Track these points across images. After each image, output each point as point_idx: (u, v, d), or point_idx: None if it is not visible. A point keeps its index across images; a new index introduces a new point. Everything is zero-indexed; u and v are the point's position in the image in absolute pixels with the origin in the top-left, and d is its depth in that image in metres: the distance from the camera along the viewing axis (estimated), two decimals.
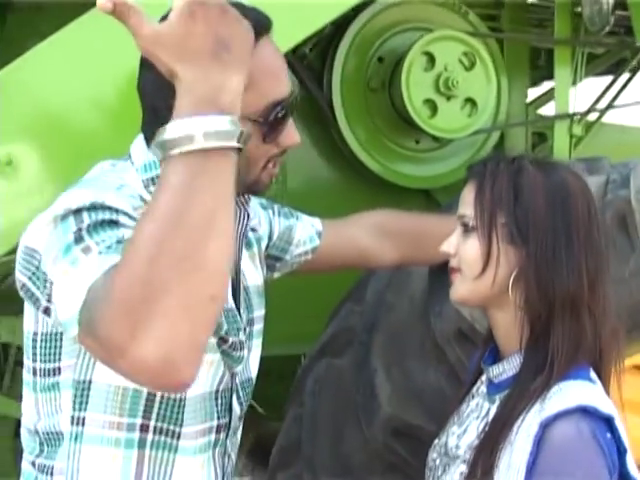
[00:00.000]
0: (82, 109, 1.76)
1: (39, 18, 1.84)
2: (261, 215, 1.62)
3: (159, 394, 1.29)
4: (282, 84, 1.32)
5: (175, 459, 1.34)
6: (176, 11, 1.02)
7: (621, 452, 1.27)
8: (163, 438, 1.32)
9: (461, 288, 1.39)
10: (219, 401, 1.39)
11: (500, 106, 2.47)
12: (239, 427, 1.49)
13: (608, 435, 1.25)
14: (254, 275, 1.53)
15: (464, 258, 1.37)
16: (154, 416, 1.30)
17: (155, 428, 1.31)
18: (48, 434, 1.33)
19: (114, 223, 1.13)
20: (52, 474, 1.33)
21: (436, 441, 1.46)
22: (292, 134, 1.34)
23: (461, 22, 2.42)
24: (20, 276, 1.21)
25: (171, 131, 1.00)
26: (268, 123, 1.28)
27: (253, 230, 1.57)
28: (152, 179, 1.30)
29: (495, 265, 1.33)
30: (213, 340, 1.32)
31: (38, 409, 1.32)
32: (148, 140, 1.34)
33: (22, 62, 1.71)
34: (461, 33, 2.29)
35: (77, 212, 1.15)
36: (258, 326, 1.52)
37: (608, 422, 1.25)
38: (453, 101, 2.29)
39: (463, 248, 1.37)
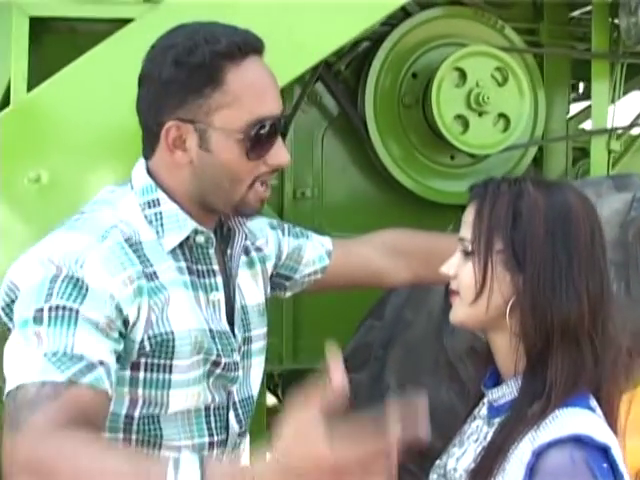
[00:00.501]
0: (113, 127, 1.84)
1: (73, 38, 1.92)
2: (269, 235, 1.65)
3: (137, 414, 1.32)
4: (267, 103, 1.34)
5: None
6: None
7: None
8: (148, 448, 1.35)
9: (459, 311, 1.37)
10: (212, 418, 1.41)
11: (537, 121, 2.45)
12: (241, 443, 1.50)
13: (604, 465, 1.21)
14: (255, 294, 1.55)
15: (461, 282, 1.35)
16: (134, 431, 1.33)
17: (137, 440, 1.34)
18: None
19: (73, 318, 1.18)
20: None
21: (437, 461, 1.45)
22: (280, 153, 1.37)
23: (497, 37, 2.41)
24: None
25: None
26: (250, 139, 1.31)
27: (258, 250, 1.60)
28: (148, 202, 1.35)
29: (490, 291, 1.31)
30: (200, 372, 1.35)
31: None
32: (147, 158, 1.40)
33: (56, 80, 1.80)
34: (493, 48, 2.28)
35: (54, 279, 1.20)
36: (258, 344, 1.53)
37: (605, 452, 1.22)
38: (485, 117, 2.28)
39: (461, 271, 1.35)
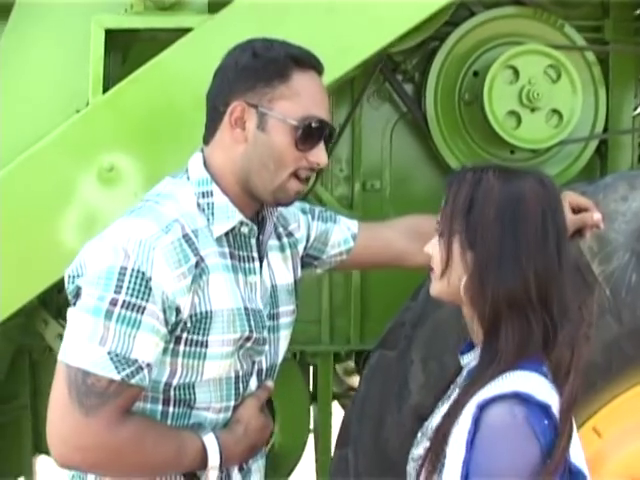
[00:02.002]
0: (177, 122, 2.09)
1: (153, 46, 2.18)
2: (300, 220, 1.85)
3: (175, 382, 1.54)
4: (320, 109, 1.58)
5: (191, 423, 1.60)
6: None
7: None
8: (181, 409, 1.58)
9: (432, 286, 1.55)
10: (240, 385, 1.62)
11: (597, 116, 2.50)
12: None
13: (545, 422, 1.34)
14: (285, 275, 1.75)
15: (433, 260, 1.53)
16: (172, 396, 1.56)
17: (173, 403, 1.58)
18: None
19: (138, 320, 1.42)
20: None
21: (425, 422, 1.61)
22: (321, 154, 1.59)
23: (557, 35, 2.48)
24: (68, 271, 1.51)
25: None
26: (301, 130, 1.54)
27: (290, 235, 1.80)
28: (202, 193, 1.58)
29: (451, 269, 1.48)
30: (233, 348, 1.56)
31: None
32: (207, 143, 1.63)
33: (125, 84, 2.07)
34: (546, 47, 2.35)
35: (123, 270, 1.42)
36: (286, 319, 1.74)
37: (546, 410, 1.34)
38: (537, 113, 2.36)
39: (434, 251, 1.53)
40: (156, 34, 2.18)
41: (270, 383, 1.71)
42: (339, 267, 1.96)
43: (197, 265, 1.50)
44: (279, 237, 1.77)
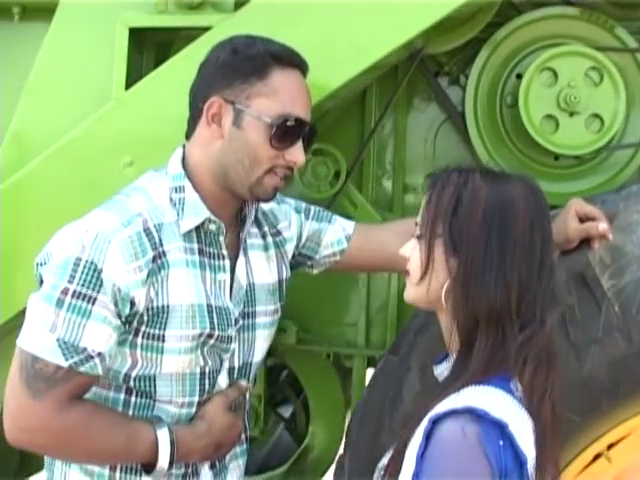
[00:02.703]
0: None
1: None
2: (293, 218, 1.84)
3: (134, 373, 1.58)
4: (297, 107, 1.59)
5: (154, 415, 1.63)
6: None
7: (522, 462, 1.27)
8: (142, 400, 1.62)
9: (408, 290, 1.49)
10: (206, 381, 1.63)
11: None
12: None
13: (500, 442, 1.26)
14: (266, 274, 1.75)
15: (411, 263, 1.47)
16: (133, 387, 1.60)
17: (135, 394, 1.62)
18: None
19: (88, 310, 1.47)
20: None
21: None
22: (297, 153, 1.60)
23: (606, 36, 2.34)
24: (37, 259, 1.57)
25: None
26: (276, 128, 1.54)
27: (277, 234, 1.80)
28: (175, 188, 1.61)
29: (431, 274, 1.40)
30: (192, 344, 1.58)
31: None
32: (187, 138, 1.66)
33: (147, 81, 2.11)
34: (587, 48, 2.23)
35: (77, 261, 1.47)
36: (264, 319, 1.74)
37: (501, 428, 1.26)
38: (576, 117, 2.25)
39: (412, 253, 1.46)
40: (191, 33, 2.23)
41: (244, 382, 1.71)
42: (336, 268, 1.94)
43: (155, 259, 1.52)
44: (264, 236, 1.77)
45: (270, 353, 2.77)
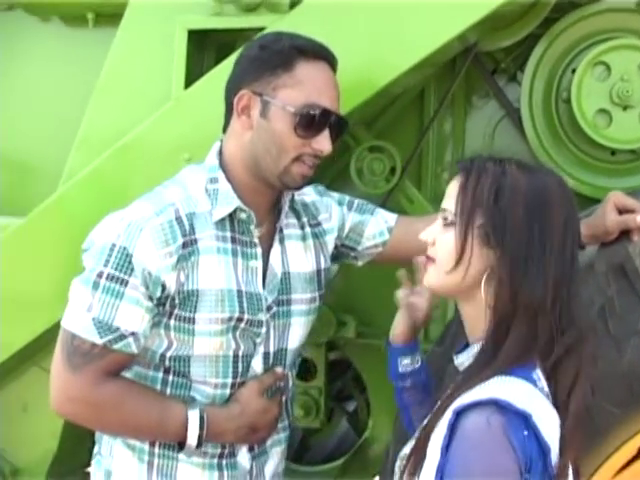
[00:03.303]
0: None
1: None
2: (334, 211, 1.90)
3: (169, 353, 1.68)
4: (323, 96, 1.66)
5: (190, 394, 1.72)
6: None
7: (545, 452, 1.28)
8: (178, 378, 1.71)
9: (433, 278, 1.48)
10: (239, 364, 1.71)
11: None
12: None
13: (525, 433, 1.26)
14: (303, 263, 1.82)
15: (440, 250, 1.46)
16: (169, 366, 1.70)
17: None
18: None
19: (121, 291, 1.57)
20: None
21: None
22: (324, 142, 1.66)
23: None
24: (83, 245, 1.69)
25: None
26: (301, 117, 1.62)
27: (317, 225, 1.87)
28: (211, 179, 1.70)
29: (468, 262, 1.40)
30: (222, 327, 1.66)
31: None
32: (224, 131, 1.75)
33: (203, 81, 2.21)
34: None
35: (112, 247, 1.58)
36: (300, 306, 1.81)
37: (525, 419, 1.27)
38: (630, 111, 2.23)
39: (440, 240, 1.46)
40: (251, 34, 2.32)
41: (279, 369, 1.77)
42: (381, 260, 1.98)
43: (185, 246, 1.61)
44: (302, 227, 1.83)
45: (332, 347, 2.86)
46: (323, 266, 1.87)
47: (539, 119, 2.43)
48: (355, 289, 2.81)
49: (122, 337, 1.58)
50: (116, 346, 1.58)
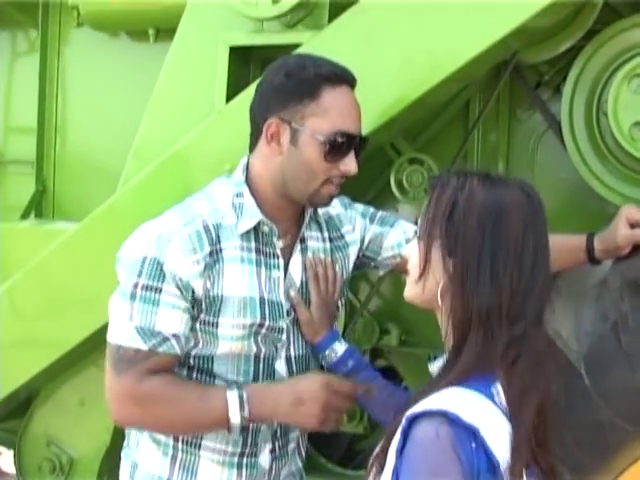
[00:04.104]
0: None
1: None
2: (357, 222, 1.98)
3: (194, 352, 1.77)
4: (348, 122, 1.74)
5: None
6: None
7: (495, 465, 1.29)
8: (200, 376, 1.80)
9: (407, 290, 1.54)
10: (260, 366, 1.79)
11: None
12: None
13: (472, 445, 1.27)
14: None
15: (410, 263, 1.52)
16: (193, 364, 1.79)
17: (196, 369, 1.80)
18: None
19: (157, 298, 1.67)
20: None
21: None
22: (350, 163, 1.75)
23: None
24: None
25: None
26: (329, 144, 1.71)
27: (340, 237, 1.94)
28: (237, 194, 1.80)
29: (428, 274, 1.45)
30: (244, 332, 1.74)
31: None
32: (250, 151, 1.84)
33: (244, 95, 2.30)
34: None
35: (144, 259, 1.68)
36: None
37: (472, 433, 1.27)
38: None
39: (412, 254, 1.52)
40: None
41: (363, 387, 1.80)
42: (401, 270, 2.03)
43: (212, 254, 1.70)
44: (324, 240, 1.91)
45: (377, 355, 2.90)
46: (344, 276, 1.94)
47: (580, 132, 2.42)
48: (400, 297, 2.83)
49: (165, 340, 1.68)
50: (160, 349, 1.68)
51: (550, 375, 1.41)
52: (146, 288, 1.67)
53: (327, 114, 1.71)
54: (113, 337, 1.71)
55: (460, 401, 1.33)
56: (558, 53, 2.46)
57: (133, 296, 1.68)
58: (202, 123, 2.39)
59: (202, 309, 1.71)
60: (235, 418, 1.69)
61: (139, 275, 1.68)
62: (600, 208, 2.50)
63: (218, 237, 1.73)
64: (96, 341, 2.63)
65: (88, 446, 2.79)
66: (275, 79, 1.76)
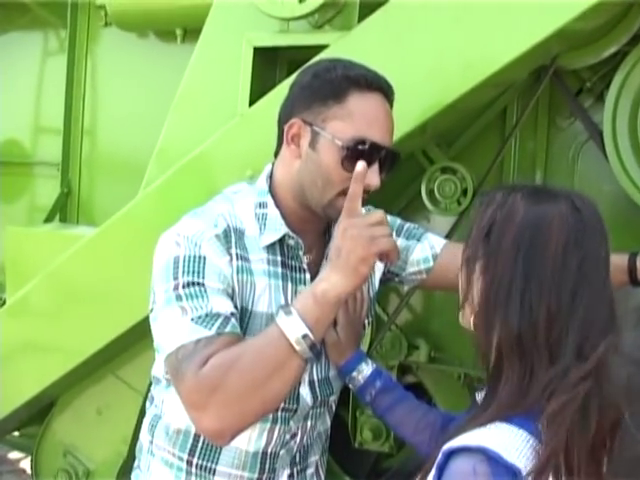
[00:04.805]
0: None
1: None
2: None
3: None
4: (374, 130, 1.59)
5: None
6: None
7: None
8: None
9: (460, 315, 1.41)
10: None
11: None
12: (314, 416, 1.74)
13: None
14: None
15: (460, 286, 1.39)
16: None
17: None
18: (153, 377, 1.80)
19: (203, 290, 1.51)
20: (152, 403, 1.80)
21: None
22: (371, 177, 1.59)
23: None
24: None
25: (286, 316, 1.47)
26: (349, 150, 1.57)
27: None
28: (260, 203, 1.67)
29: (468, 299, 1.34)
30: None
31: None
32: (276, 156, 1.74)
33: (268, 98, 2.22)
34: None
35: (177, 259, 1.53)
36: None
37: (514, 475, 1.17)
38: None
39: (459, 277, 1.39)
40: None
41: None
42: (427, 286, 1.91)
43: (238, 258, 1.58)
44: None
45: (404, 371, 2.79)
46: (370, 294, 1.83)
47: (623, 142, 2.28)
48: (431, 312, 2.74)
49: (227, 319, 1.51)
50: (227, 329, 1.49)
51: (592, 418, 1.25)
52: (188, 285, 1.51)
53: (351, 119, 1.58)
54: (170, 344, 1.50)
55: (502, 438, 1.21)
56: (601, 58, 2.33)
57: (178, 297, 1.50)
58: (225, 126, 2.30)
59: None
60: (298, 344, 1.45)
61: (175, 277, 1.52)
62: (625, 221, 2.36)
63: (244, 245, 1.61)
64: (114, 349, 2.58)
65: (105, 457, 2.71)
66: (303, 79, 1.66)
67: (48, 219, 3.11)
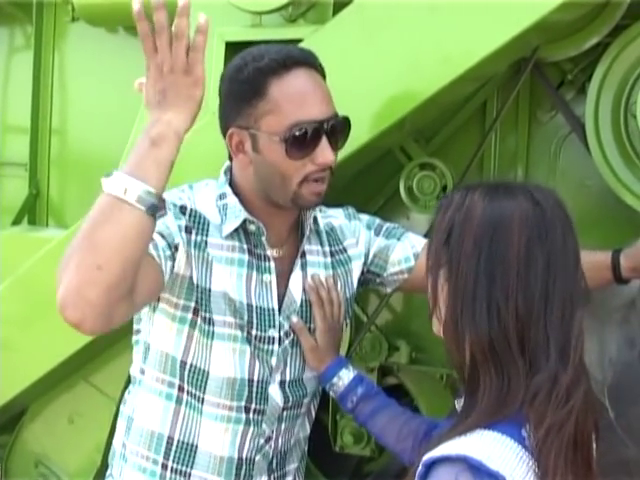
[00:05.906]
0: None
1: None
2: (361, 235, 1.80)
3: (188, 365, 1.60)
4: (307, 109, 1.54)
5: (201, 419, 1.64)
6: None
7: None
8: (191, 399, 1.63)
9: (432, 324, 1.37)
10: (254, 388, 1.63)
11: None
12: (288, 418, 1.70)
13: None
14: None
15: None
16: (185, 379, 1.63)
17: (186, 390, 1.63)
18: (130, 376, 1.77)
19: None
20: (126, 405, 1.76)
21: None
22: (324, 153, 1.56)
23: None
24: None
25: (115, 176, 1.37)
26: (289, 140, 1.53)
27: (343, 251, 1.77)
28: (220, 195, 1.66)
29: (436, 307, 1.29)
30: (238, 332, 1.60)
31: (132, 357, 1.76)
32: (230, 160, 1.70)
33: None
34: None
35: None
36: None
37: None
38: None
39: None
40: None
41: None
42: (409, 288, 1.86)
43: (197, 232, 1.60)
44: (325, 254, 1.75)
45: (385, 373, 2.73)
46: (347, 295, 1.78)
47: (606, 135, 2.22)
48: (411, 312, 2.69)
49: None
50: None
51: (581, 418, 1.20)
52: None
53: (279, 108, 1.54)
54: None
55: (484, 446, 1.16)
56: (583, 50, 2.27)
57: None
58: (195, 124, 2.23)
59: (197, 301, 1.58)
60: (125, 194, 1.34)
61: None
62: (628, 219, 2.29)
63: (203, 229, 1.60)
64: (85, 355, 2.51)
65: (78, 466, 2.65)
66: (223, 87, 1.62)
67: (16, 221, 3.02)
